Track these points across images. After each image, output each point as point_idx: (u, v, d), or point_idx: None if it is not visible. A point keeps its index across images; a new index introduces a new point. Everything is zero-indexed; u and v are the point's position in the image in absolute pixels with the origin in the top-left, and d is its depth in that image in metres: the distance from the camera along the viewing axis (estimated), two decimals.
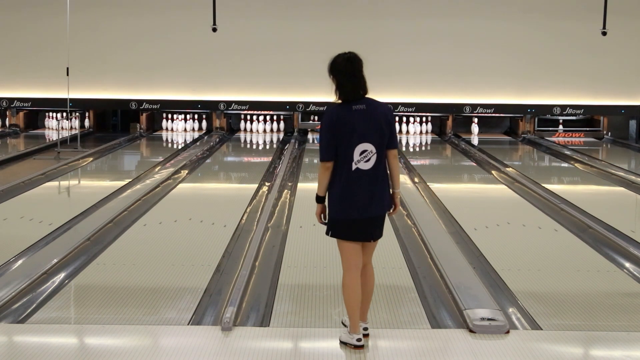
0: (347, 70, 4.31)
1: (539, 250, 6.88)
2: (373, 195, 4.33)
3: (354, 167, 4.29)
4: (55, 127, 15.86)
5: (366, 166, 4.31)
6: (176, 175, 10.68)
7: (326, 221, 4.44)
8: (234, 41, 15.72)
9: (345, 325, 4.60)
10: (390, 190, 4.45)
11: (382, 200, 4.39)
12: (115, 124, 17.47)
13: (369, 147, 4.29)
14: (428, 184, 10.13)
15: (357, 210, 4.32)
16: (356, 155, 4.29)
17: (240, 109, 16.22)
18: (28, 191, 9.46)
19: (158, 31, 15.91)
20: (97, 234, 7.02)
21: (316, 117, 16.36)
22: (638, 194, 9.85)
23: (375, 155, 4.31)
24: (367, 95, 4.37)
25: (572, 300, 5.51)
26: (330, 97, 4.38)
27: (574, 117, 16.51)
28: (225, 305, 5.04)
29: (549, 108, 16.05)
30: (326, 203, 4.44)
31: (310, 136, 15.78)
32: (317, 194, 4.43)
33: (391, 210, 4.49)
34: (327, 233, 4.44)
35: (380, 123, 4.32)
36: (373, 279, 4.56)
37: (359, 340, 4.37)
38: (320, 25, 15.74)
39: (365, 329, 4.54)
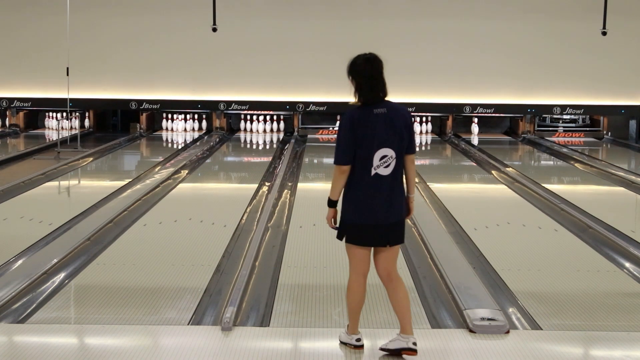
0: (366, 72, 4.18)
1: (539, 250, 6.88)
2: (392, 201, 4.22)
3: (373, 172, 4.17)
4: (55, 127, 15.85)
5: (385, 172, 4.18)
6: (176, 175, 10.68)
7: (337, 226, 4.31)
8: (234, 41, 15.71)
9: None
10: (406, 194, 4.33)
11: (400, 206, 4.27)
12: (115, 124, 17.47)
13: (390, 152, 4.17)
14: (428, 184, 10.12)
15: (376, 216, 4.19)
16: (376, 161, 4.16)
17: (240, 109, 16.20)
18: (28, 191, 9.46)
19: (158, 31, 15.90)
20: (97, 234, 7.02)
21: (316, 127, 16.37)
22: (638, 194, 9.85)
23: (395, 160, 4.19)
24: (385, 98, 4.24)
25: (572, 300, 5.51)
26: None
27: (573, 125, 16.54)
28: (225, 305, 5.03)
29: (549, 108, 16.05)
30: (338, 207, 4.29)
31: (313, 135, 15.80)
32: (329, 198, 4.28)
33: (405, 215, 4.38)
34: (339, 238, 4.30)
35: (401, 127, 4.20)
36: (403, 287, 4.31)
37: (358, 340, 4.35)
38: (320, 25, 15.72)
39: (414, 344, 4.22)
